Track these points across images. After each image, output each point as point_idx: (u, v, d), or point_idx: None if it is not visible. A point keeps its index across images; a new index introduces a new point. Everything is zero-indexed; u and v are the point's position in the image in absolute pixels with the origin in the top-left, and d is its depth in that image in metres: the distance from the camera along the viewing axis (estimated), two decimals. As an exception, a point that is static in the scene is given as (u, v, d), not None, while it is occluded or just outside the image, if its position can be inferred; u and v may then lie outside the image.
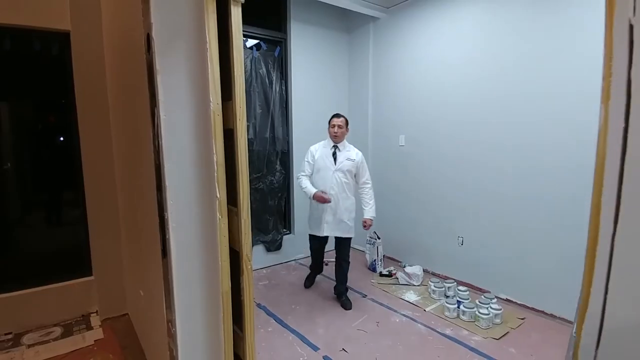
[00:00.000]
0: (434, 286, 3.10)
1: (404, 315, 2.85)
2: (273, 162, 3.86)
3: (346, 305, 2.96)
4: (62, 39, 2.69)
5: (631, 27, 0.35)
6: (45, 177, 2.94)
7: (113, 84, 2.57)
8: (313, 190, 2.87)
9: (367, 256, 3.80)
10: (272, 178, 3.84)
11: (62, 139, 2.93)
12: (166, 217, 1.10)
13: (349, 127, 3.04)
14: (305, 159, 3.05)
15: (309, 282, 3.38)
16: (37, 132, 2.91)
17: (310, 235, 3.12)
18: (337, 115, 2.97)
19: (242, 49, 1.18)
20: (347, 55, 4.24)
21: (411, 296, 3.15)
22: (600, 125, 0.42)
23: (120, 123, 2.44)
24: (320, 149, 3.01)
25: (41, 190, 2.95)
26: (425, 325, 2.69)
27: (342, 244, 3.01)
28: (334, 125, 2.93)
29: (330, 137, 2.96)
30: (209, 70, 1.09)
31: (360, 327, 2.66)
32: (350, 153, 2.96)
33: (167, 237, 1.10)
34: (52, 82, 2.81)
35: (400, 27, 3.68)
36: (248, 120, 3.59)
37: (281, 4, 3.77)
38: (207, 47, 1.08)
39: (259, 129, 3.72)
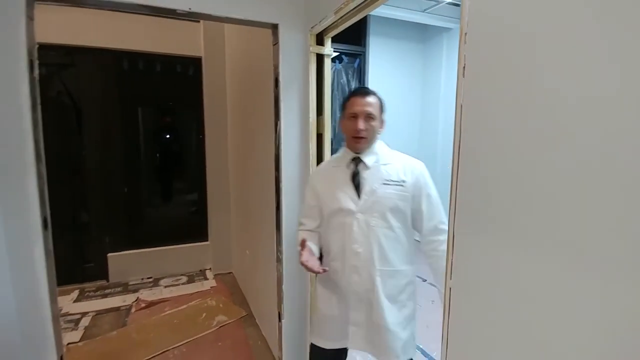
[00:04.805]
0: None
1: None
2: (349, 159, 4.63)
3: None
4: (196, 63, 3.83)
5: (461, 106, 0.99)
6: (179, 167, 4.16)
7: (231, 98, 3.61)
8: (298, 247, 1.45)
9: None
10: (348, 174, 4.62)
11: (192, 138, 4.10)
12: (281, 187, 1.98)
13: (384, 116, 1.56)
14: (305, 198, 1.67)
15: None
16: (174, 132, 4.13)
17: (312, 347, 1.62)
18: (361, 92, 1.52)
19: (330, 84, 1.98)
20: (420, 63, 4.85)
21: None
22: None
23: (236, 126, 3.46)
24: (326, 173, 1.62)
25: (176, 178, 4.18)
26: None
27: None
28: (354, 115, 1.45)
29: (347, 139, 1.51)
30: (310, 98, 1.94)
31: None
32: (391, 168, 1.46)
33: (281, 198, 1.99)
34: (187, 94, 3.99)
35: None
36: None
37: (362, 21, 4.53)
38: (310, 84, 1.91)
39: (338, 130, 4.53)
